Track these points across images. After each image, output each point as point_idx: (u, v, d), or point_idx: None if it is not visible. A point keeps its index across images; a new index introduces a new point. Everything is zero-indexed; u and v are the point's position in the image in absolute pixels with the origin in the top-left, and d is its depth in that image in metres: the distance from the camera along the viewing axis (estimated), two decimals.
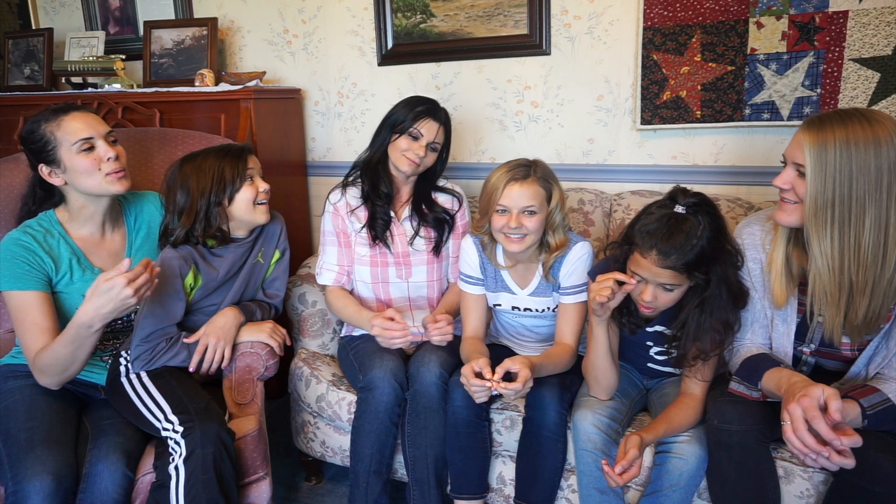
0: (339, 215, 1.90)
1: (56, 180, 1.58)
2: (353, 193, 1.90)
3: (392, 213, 1.88)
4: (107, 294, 1.35)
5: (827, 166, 1.22)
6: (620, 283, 1.40)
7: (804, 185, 1.26)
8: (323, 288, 1.96)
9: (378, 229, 1.85)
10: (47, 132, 1.54)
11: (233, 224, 1.69)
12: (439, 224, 1.89)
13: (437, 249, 1.89)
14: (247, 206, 1.66)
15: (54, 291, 1.57)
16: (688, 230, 1.33)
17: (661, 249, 1.34)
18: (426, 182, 1.91)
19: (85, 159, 1.55)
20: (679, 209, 1.36)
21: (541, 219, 1.57)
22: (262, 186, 1.69)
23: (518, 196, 1.55)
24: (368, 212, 1.86)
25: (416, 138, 1.79)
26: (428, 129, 1.79)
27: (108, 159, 1.57)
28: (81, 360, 1.47)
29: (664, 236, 1.34)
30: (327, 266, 1.91)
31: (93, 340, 1.44)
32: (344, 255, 1.91)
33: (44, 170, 1.57)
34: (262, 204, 1.69)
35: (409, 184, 1.91)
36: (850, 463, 1.13)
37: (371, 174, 1.87)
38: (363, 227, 1.86)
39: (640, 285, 1.41)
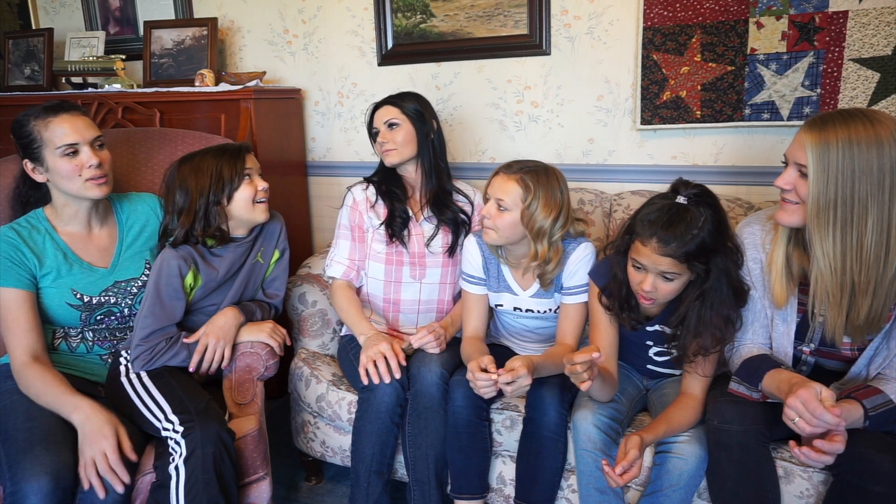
0: (357, 210, 1.91)
1: (39, 177, 1.59)
2: (374, 191, 1.92)
3: (411, 213, 1.89)
4: (94, 445, 1.37)
5: (829, 166, 1.22)
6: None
7: (806, 186, 1.26)
8: (330, 281, 1.96)
9: (396, 227, 1.85)
10: (34, 130, 1.54)
11: (232, 223, 1.69)
12: (457, 226, 1.90)
13: (451, 251, 1.89)
14: (246, 205, 1.66)
15: (39, 288, 1.58)
16: (688, 219, 1.35)
17: (661, 237, 1.35)
18: (438, 178, 1.91)
19: (67, 164, 1.54)
20: (681, 199, 1.38)
21: (512, 218, 1.57)
22: (261, 185, 1.68)
23: (497, 187, 1.59)
24: (387, 209, 1.88)
25: (378, 130, 1.88)
26: (379, 117, 1.88)
27: (90, 166, 1.56)
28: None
29: (664, 225, 1.35)
30: (338, 259, 1.92)
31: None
32: (356, 250, 1.92)
33: (28, 165, 1.59)
34: (261, 202, 1.69)
35: (422, 182, 1.92)
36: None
37: (384, 176, 1.93)
38: (382, 223, 1.87)
39: (641, 274, 1.42)
